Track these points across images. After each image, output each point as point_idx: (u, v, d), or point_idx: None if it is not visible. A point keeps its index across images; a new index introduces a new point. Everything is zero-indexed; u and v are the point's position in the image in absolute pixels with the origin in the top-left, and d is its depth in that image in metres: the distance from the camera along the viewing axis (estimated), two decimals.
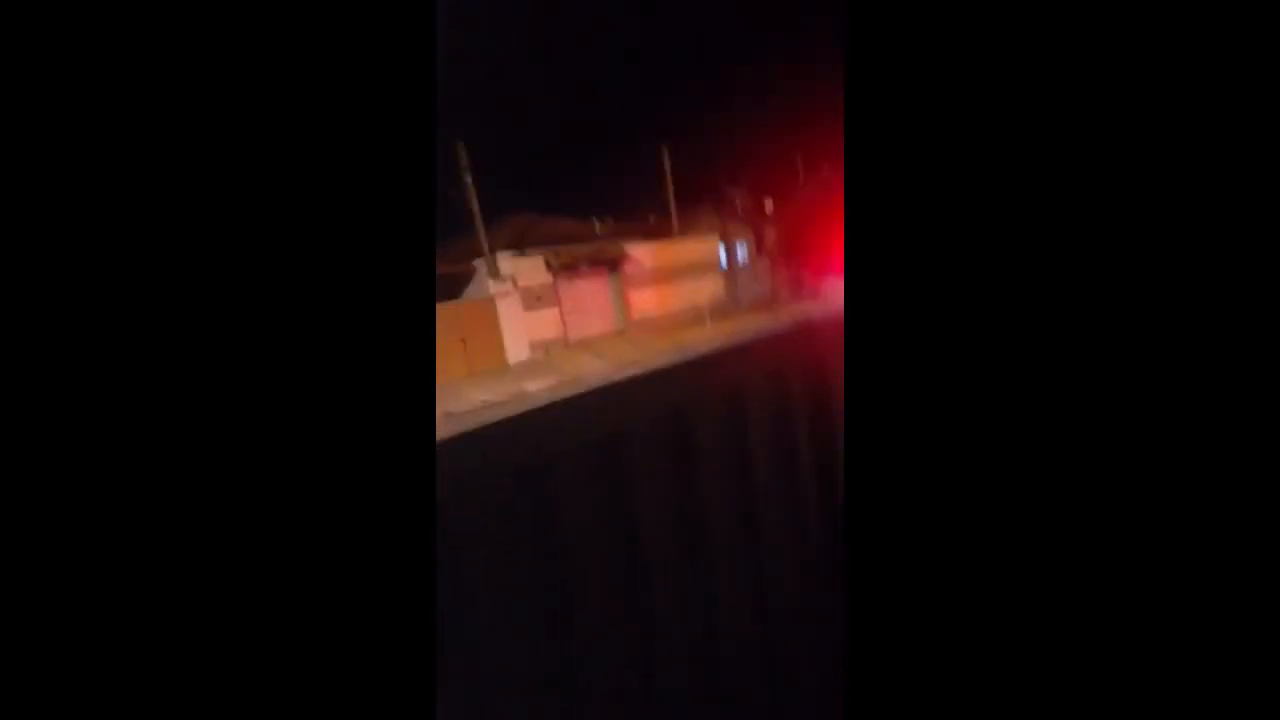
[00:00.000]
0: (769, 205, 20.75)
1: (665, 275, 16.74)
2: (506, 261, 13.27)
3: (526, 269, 13.58)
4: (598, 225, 17.48)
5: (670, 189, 17.49)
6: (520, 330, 13.18)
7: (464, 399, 9.73)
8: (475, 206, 12.97)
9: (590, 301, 15.02)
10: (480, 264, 13.15)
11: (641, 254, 16.15)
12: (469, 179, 12.94)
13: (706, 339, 14.80)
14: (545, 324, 13.84)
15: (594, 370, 12.82)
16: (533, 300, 13.57)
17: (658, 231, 17.85)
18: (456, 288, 13.16)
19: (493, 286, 12.90)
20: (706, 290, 17.52)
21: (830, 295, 16.78)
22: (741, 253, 19.32)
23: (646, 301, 16.21)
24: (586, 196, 17.77)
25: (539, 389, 11.51)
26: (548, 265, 13.95)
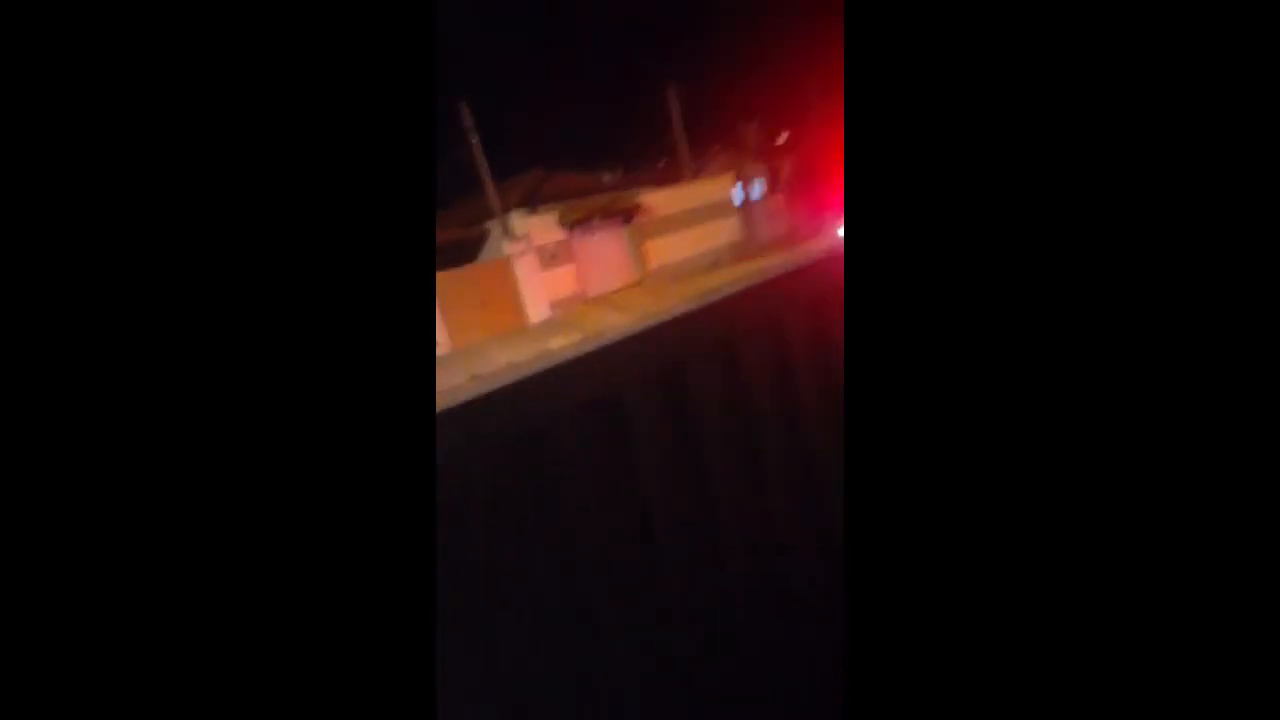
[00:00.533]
0: (783, 137, 20.04)
1: (680, 221, 16.43)
2: (520, 220, 13.16)
3: (540, 227, 13.47)
4: (608, 176, 17.14)
5: (680, 131, 16.98)
6: (539, 289, 13.18)
7: (489, 360, 9.87)
8: (483, 166, 12.80)
9: (607, 255, 14.89)
10: (493, 225, 13.08)
11: (655, 202, 15.84)
12: (474, 139, 12.73)
13: (728, 282, 14.58)
14: (563, 281, 13.82)
15: (615, 324, 12.83)
16: (549, 258, 13.50)
17: (669, 177, 17.44)
18: (472, 251, 13.15)
19: (507, 247, 12.85)
20: (723, 232, 17.18)
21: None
22: (757, 190, 18.81)
23: (663, 250, 16.00)
24: (595, 147, 17.39)
25: (562, 346, 11.58)
26: (561, 221, 13.81)
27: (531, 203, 13.96)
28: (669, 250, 16.09)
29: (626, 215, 15.30)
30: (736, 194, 18.02)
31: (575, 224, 14.04)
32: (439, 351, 11.10)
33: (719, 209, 17.32)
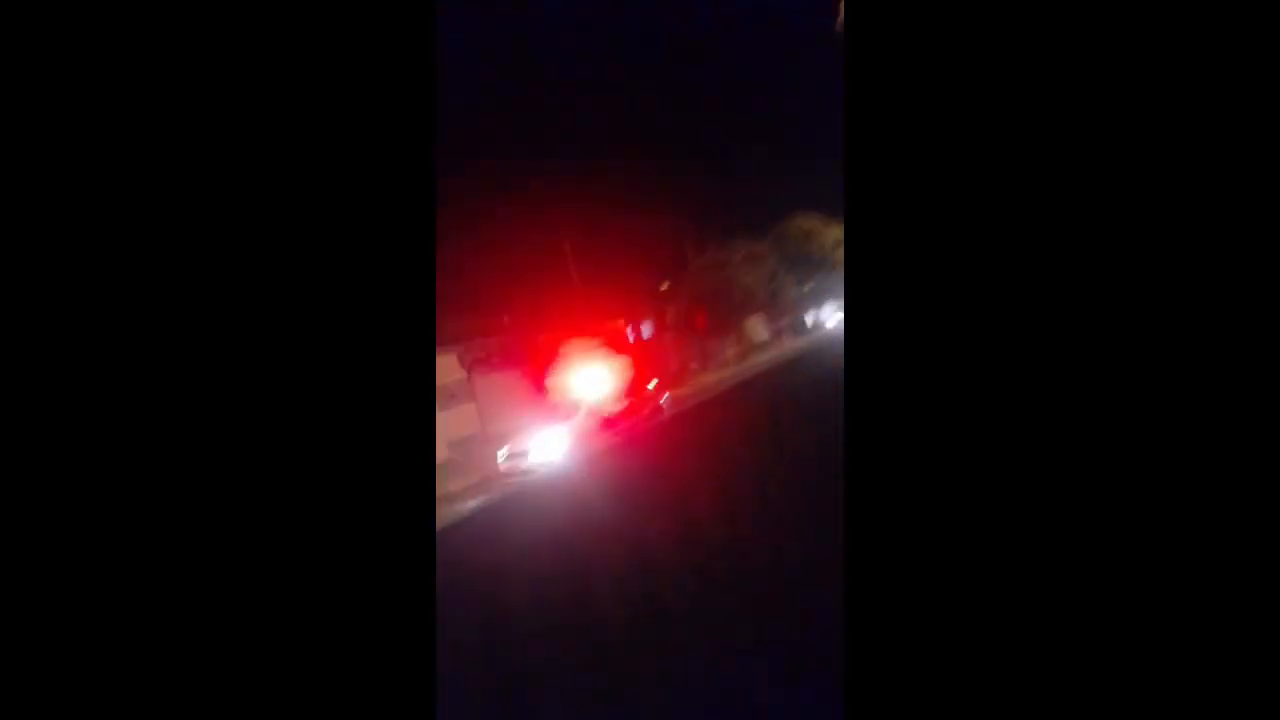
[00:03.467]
0: (665, 285, 22.00)
1: (578, 358, 17.15)
2: None
3: (440, 367, 13.59)
4: (505, 316, 17.82)
5: (576, 276, 18.31)
6: (439, 430, 13.01)
7: None
8: None
9: (507, 393, 15.15)
10: None
11: (553, 340, 16.58)
12: None
13: (625, 415, 15.10)
14: (463, 420, 13.79)
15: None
16: (447, 398, 13.54)
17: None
18: None
19: None
20: (619, 369, 18.13)
21: (736, 360, 17.75)
22: (646, 330, 20.27)
23: (562, 386, 16.48)
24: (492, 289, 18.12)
25: (461, 489, 11.32)
26: (460, 361, 14.05)
27: None
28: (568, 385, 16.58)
29: (526, 353, 15.81)
30: (629, 334, 19.34)
31: (475, 363, 14.31)
32: None
33: (614, 347, 18.37)
